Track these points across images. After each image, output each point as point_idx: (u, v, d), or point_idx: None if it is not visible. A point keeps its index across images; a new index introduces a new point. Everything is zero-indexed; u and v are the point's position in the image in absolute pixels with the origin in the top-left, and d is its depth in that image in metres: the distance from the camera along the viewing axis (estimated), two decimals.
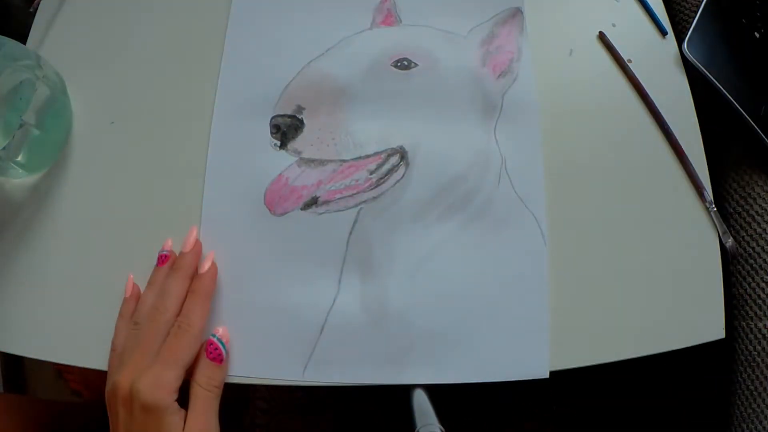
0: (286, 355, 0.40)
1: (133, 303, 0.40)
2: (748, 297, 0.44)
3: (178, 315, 0.39)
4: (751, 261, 0.44)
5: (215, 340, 0.39)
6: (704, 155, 0.45)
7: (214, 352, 0.39)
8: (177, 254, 0.42)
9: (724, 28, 0.48)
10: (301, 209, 0.42)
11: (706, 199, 0.44)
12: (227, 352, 0.39)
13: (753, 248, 0.44)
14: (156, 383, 0.35)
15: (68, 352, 0.41)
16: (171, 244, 0.42)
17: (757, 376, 0.43)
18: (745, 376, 0.43)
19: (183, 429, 0.36)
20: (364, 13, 0.48)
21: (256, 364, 0.40)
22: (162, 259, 0.41)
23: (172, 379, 0.36)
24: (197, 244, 0.41)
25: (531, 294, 0.41)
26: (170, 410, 0.35)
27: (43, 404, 0.60)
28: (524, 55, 0.47)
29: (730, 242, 0.43)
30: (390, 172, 0.43)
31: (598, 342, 0.41)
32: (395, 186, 0.43)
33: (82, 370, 0.41)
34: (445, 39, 0.47)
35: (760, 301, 0.43)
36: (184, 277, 0.40)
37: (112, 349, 0.39)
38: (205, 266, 0.41)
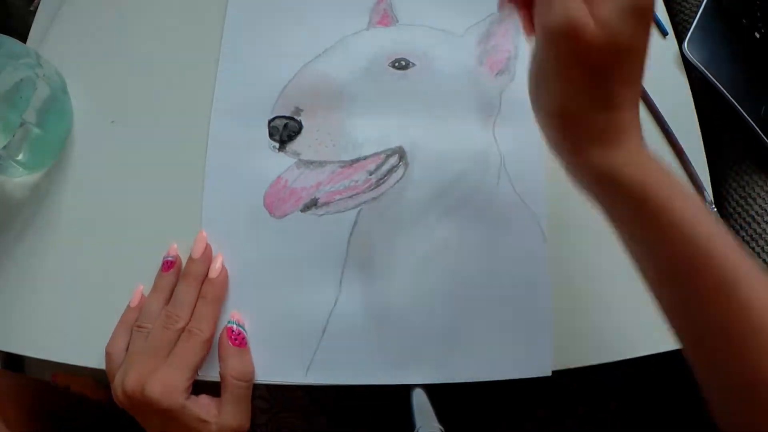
0: (288, 357, 0.40)
1: (137, 312, 0.40)
2: None
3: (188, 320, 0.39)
4: None
5: (234, 326, 0.39)
6: (704, 155, 0.45)
7: (238, 337, 0.39)
8: (181, 259, 0.42)
9: (724, 28, 0.48)
10: (301, 211, 0.42)
11: (706, 200, 0.44)
12: (247, 335, 0.40)
13: (753, 248, 0.44)
14: (166, 387, 0.36)
15: (68, 351, 0.41)
16: (176, 249, 0.42)
17: None
18: None
19: (215, 421, 0.36)
20: (361, 14, 0.48)
21: (258, 366, 0.40)
22: (167, 264, 0.41)
23: (182, 381, 0.36)
24: (207, 249, 0.41)
25: (532, 292, 0.41)
26: (186, 408, 0.36)
27: (42, 385, 0.60)
28: (521, 53, 0.47)
29: None
30: (389, 172, 0.43)
31: (598, 342, 0.41)
32: (395, 186, 0.43)
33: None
34: (441, 38, 0.47)
35: None
36: (195, 283, 0.40)
37: (109, 353, 0.39)
38: (216, 271, 0.41)
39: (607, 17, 0.26)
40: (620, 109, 0.28)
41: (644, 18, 0.27)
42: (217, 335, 0.39)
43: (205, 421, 0.36)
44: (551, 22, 0.27)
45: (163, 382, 0.36)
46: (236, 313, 0.40)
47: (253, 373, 0.39)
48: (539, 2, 0.28)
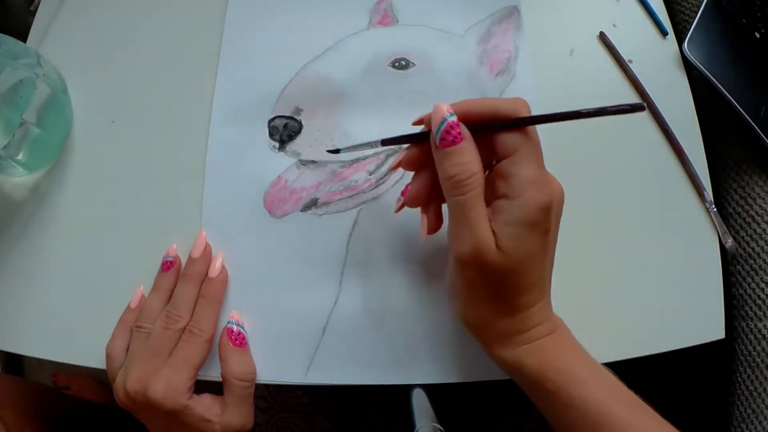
0: (288, 357, 0.40)
1: (137, 313, 0.40)
2: (747, 297, 0.44)
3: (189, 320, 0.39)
4: (751, 261, 0.44)
5: (234, 326, 0.39)
6: (704, 155, 0.45)
7: (239, 337, 0.39)
8: (181, 258, 0.42)
9: (724, 28, 0.48)
10: (301, 211, 0.42)
11: (706, 200, 0.44)
12: (247, 335, 0.40)
13: (753, 249, 0.44)
14: (169, 387, 0.36)
15: (68, 351, 0.41)
16: (176, 249, 0.42)
17: (757, 376, 0.43)
18: (744, 376, 0.43)
19: (218, 421, 0.37)
20: (361, 14, 0.48)
21: (258, 366, 0.40)
22: (167, 264, 0.41)
23: (184, 381, 0.36)
24: (207, 249, 0.41)
25: None
26: (189, 408, 0.36)
27: (41, 388, 0.60)
28: (521, 53, 0.47)
29: (730, 243, 0.43)
30: (389, 172, 0.43)
31: (598, 342, 0.41)
32: (395, 186, 0.43)
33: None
34: (442, 38, 0.47)
35: (759, 302, 0.43)
36: (195, 283, 0.40)
37: (109, 353, 0.39)
38: (216, 270, 0.41)
39: (505, 243, 0.31)
40: (522, 311, 0.33)
41: (538, 227, 0.31)
42: (218, 335, 0.39)
43: (208, 421, 0.36)
44: (460, 251, 0.31)
45: (166, 383, 0.35)
46: (236, 313, 0.40)
47: (254, 372, 0.39)
48: (451, 234, 0.32)
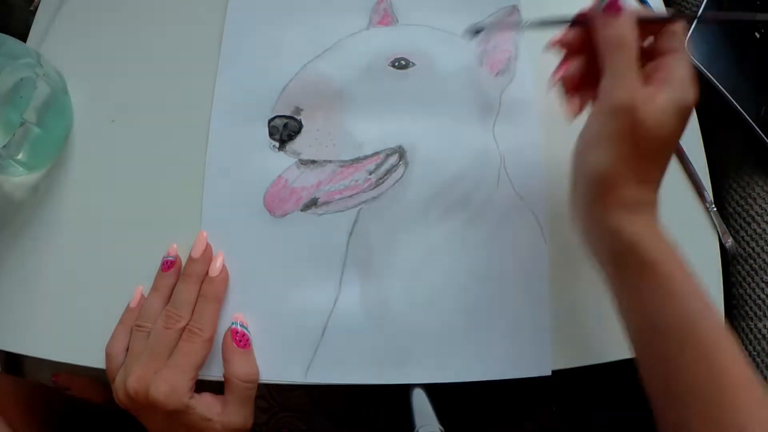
0: (288, 357, 0.40)
1: (137, 313, 0.40)
2: (747, 297, 0.44)
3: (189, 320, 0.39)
4: (751, 261, 0.44)
5: (239, 327, 0.39)
6: (704, 155, 0.45)
7: (243, 339, 0.39)
8: (181, 258, 0.42)
9: (724, 28, 0.48)
10: (301, 210, 0.42)
11: (706, 200, 0.44)
12: (251, 336, 0.40)
13: (753, 249, 0.44)
14: (170, 388, 0.35)
15: (68, 351, 0.41)
16: (176, 249, 0.42)
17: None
18: None
19: (219, 420, 0.37)
20: (361, 14, 0.48)
21: (259, 365, 0.40)
22: (167, 264, 0.41)
23: (186, 381, 0.36)
24: (207, 248, 0.41)
25: (532, 292, 0.41)
26: (191, 407, 0.36)
27: (43, 389, 0.60)
28: (522, 53, 0.47)
29: (730, 242, 0.43)
30: (389, 171, 0.43)
31: (598, 341, 0.41)
32: (395, 186, 0.43)
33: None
34: (442, 38, 0.47)
35: (759, 302, 0.43)
36: (195, 283, 0.40)
37: (109, 353, 0.39)
38: (216, 270, 0.41)
39: (662, 107, 0.31)
40: (649, 185, 0.33)
41: (686, 117, 0.32)
42: (218, 335, 0.39)
43: (209, 420, 0.36)
44: (618, 98, 0.32)
45: (168, 383, 0.35)
46: (240, 314, 0.40)
47: (257, 374, 0.39)
48: (609, 81, 0.33)
